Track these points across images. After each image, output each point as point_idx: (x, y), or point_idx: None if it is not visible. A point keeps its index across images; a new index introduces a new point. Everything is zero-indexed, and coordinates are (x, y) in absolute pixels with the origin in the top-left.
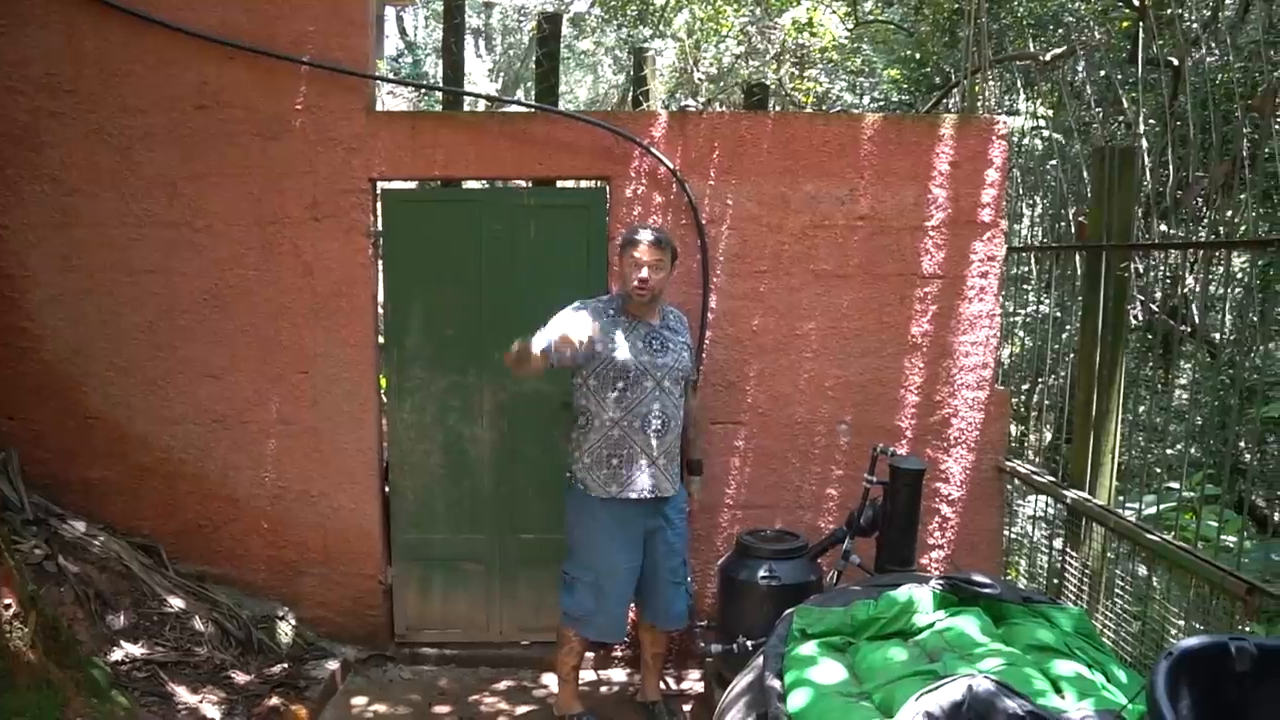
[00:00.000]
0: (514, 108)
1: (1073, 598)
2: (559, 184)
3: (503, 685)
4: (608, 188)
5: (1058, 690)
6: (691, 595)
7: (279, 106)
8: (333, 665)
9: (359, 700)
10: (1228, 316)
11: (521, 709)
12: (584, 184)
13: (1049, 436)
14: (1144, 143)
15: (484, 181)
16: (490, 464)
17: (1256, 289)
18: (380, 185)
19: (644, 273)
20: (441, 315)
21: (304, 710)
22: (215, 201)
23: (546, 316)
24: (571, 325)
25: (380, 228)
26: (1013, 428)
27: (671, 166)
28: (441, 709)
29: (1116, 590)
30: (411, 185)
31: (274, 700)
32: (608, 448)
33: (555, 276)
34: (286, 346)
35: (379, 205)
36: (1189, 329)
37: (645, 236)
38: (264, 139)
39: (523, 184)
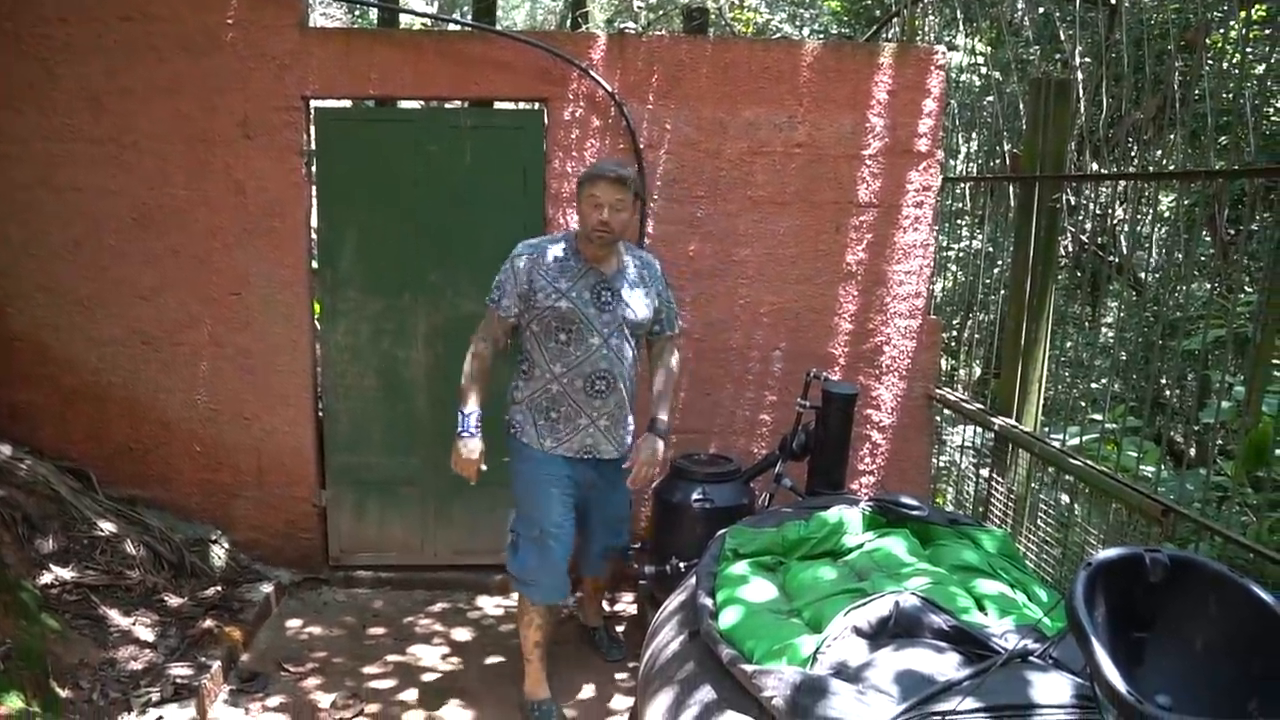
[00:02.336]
0: (451, 27)
1: (998, 522)
2: (496, 105)
3: (437, 608)
4: (545, 110)
5: (981, 608)
6: (624, 550)
7: (208, 20)
8: (267, 588)
9: (294, 623)
10: (1152, 252)
11: (456, 631)
12: (523, 106)
13: (979, 371)
14: (1079, 76)
15: (420, 101)
16: (425, 387)
17: (1182, 225)
18: (313, 104)
19: (603, 214)
20: (376, 237)
21: (238, 632)
22: (143, 118)
23: (484, 239)
24: (459, 456)
25: (314, 147)
26: (945, 362)
27: (610, 90)
28: (376, 630)
29: (1039, 515)
30: (346, 104)
31: (208, 623)
32: (546, 400)
33: (491, 198)
34: (218, 268)
35: (312, 124)
36: (1116, 261)
37: (606, 173)
38: (193, 54)
39: (459, 105)
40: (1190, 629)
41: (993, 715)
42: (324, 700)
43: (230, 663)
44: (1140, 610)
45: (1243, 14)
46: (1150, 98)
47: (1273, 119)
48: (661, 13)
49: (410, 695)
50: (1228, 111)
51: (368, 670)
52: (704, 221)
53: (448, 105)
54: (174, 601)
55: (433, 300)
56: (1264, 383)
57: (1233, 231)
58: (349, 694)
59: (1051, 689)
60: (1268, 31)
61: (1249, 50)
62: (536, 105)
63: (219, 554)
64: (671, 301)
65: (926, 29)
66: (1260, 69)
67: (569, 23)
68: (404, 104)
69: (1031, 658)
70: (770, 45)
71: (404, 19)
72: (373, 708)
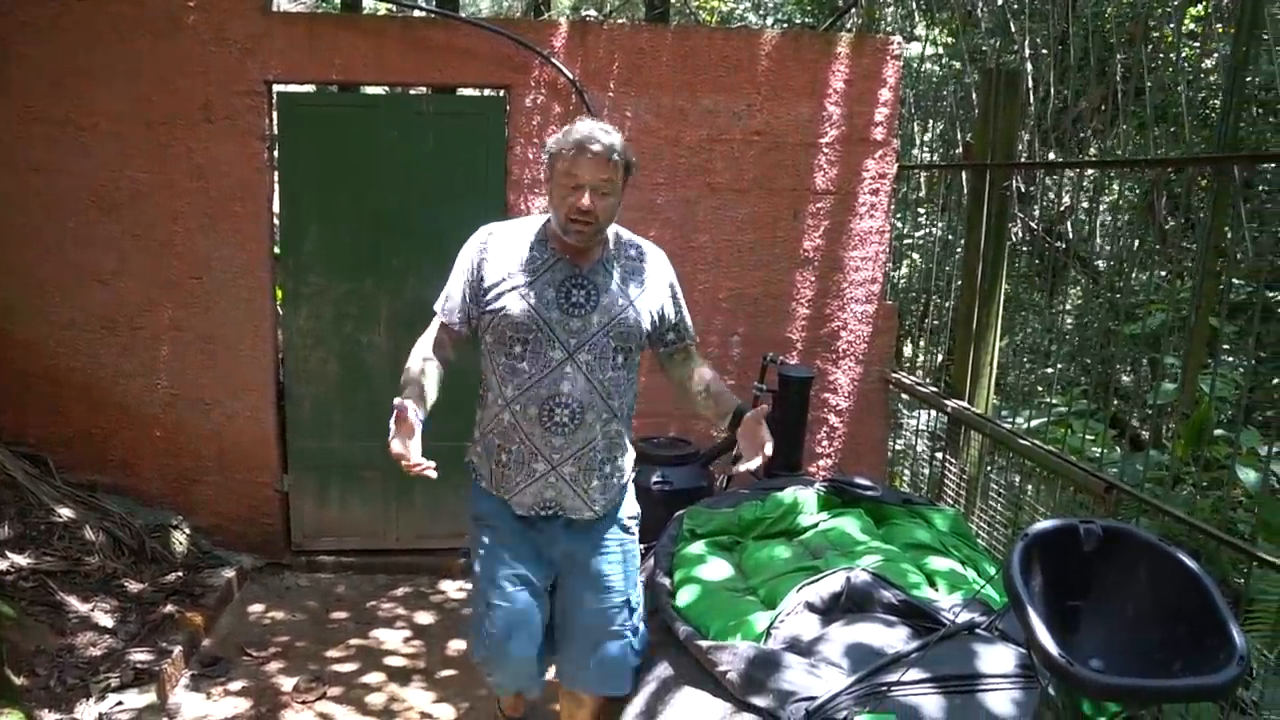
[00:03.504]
0: (416, 13)
1: (951, 502)
2: (459, 92)
3: (400, 591)
4: (507, 96)
5: (932, 584)
6: (640, 653)
7: (169, 2)
8: (229, 573)
9: (256, 608)
10: (1102, 240)
11: (419, 614)
12: (486, 92)
13: (940, 357)
14: (1029, 66)
15: (383, 87)
16: (388, 371)
17: (1128, 214)
18: (276, 88)
19: (585, 200)
20: (338, 222)
21: (199, 617)
22: (103, 99)
23: (445, 225)
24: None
25: (276, 132)
26: (906, 347)
27: (571, 77)
28: (339, 614)
29: (991, 495)
30: (309, 89)
31: (169, 608)
32: (498, 434)
33: (453, 184)
34: (179, 251)
35: (274, 109)
36: (1064, 246)
37: (589, 145)
38: (154, 35)
39: (422, 90)
40: (1122, 596)
41: (939, 685)
42: (286, 684)
43: (192, 648)
44: (1075, 579)
45: (1191, 10)
46: (1095, 88)
47: (1215, 111)
48: (626, 1)
49: (373, 678)
50: (1176, 103)
51: (330, 654)
52: (663, 208)
53: (411, 91)
54: (134, 587)
55: (395, 285)
56: (1199, 364)
57: (1184, 220)
58: (311, 677)
59: (996, 659)
60: (1218, 27)
61: (1195, 45)
62: (499, 92)
63: (180, 539)
64: (683, 305)
65: (888, 19)
66: (1209, 63)
67: (533, 8)
68: (367, 89)
69: (978, 630)
70: (729, 34)
71: (367, 4)
72: (335, 691)
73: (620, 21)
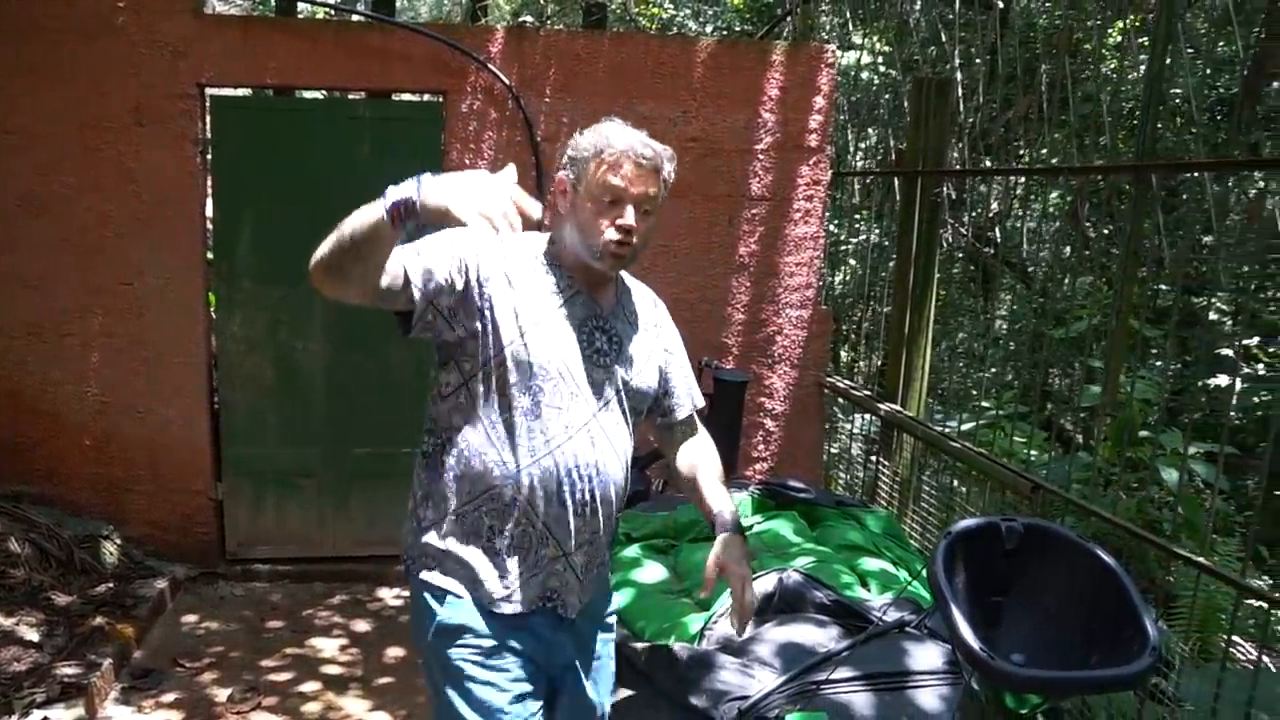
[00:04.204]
0: (353, 17)
1: (885, 503)
2: (395, 97)
3: (337, 600)
4: (444, 102)
5: (864, 584)
6: None
7: (99, 3)
8: (161, 584)
9: (189, 618)
10: (1032, 247)
11: (356, 622)
12: (423, 98)
13: (878, 362)
14: (959, 75)
15: (320, 91)
16: (322, 378)
17: (1053, 217)
18: (209, 91)
19: (626, 217)
20: (273, 227)
21: (131, 629)
22: (30, 101)
23: None
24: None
25: (209, 136)
26: (844, 353)
27: (507, 83)
28: (274, 624)
29: (923, 496)
30: (243, 92)
31: (99, 620)
32: (490, 514)
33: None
34: (110, 256)
35: (208, 112)
36: (992, 252)
37: (643, 150)
38: (84, 37)
39: (359, 95)
40: (1044, 592)
41: (869, 683)
42: (221, 694)
43: (122, 660)
44: (999, 576)
45: (1117, 24)
46: (1023, 97)
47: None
48: (566, 7)
49: (309, 687)
50: (1110, 112)
51: (266, 663)
52: None
53: (348, 96)
54: (62, 600)
55: None
56: (1119, 368)
57: (1109, 228)
58: (246, 687)
59: (925, 656)
60: (1141, 40)
61: (1119, 56)
62: (436, 97)
63: (111, 550)
64: (687, 364)
65: (825, 28)
66: (1135, 74)
67: (470, 13)
68: (303, 93)
69: (908, 628)
70: (666, 41)
71: (303, 8)
72: (270, 700)
73: (557, 28)
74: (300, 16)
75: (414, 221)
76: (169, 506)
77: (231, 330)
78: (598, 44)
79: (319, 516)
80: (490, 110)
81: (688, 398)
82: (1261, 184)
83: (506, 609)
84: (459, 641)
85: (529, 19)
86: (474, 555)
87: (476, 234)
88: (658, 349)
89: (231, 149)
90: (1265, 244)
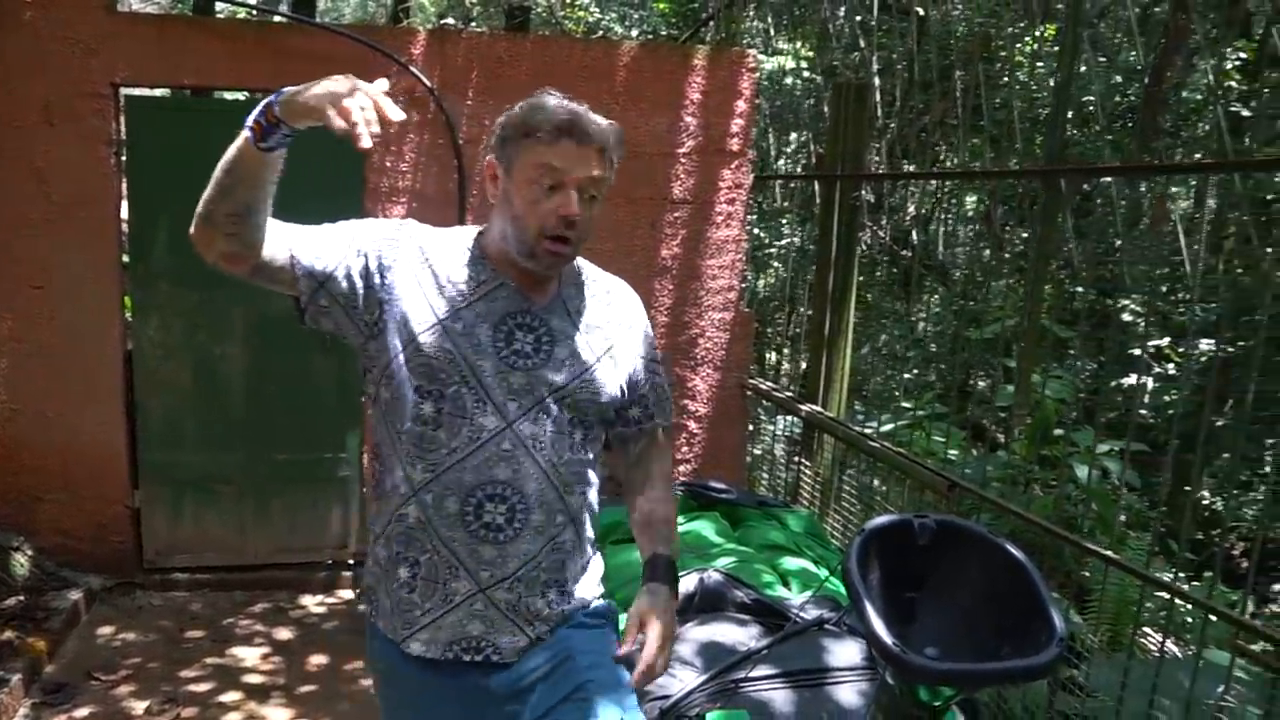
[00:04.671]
0: (275, 19)
1: (806, 503)
2: None
3: (258, 608)
4: None
5: (785, 583)
6: None
7: None
8: (75, 595)
9: (105, 630)
10: (949, 250)
11: (278, 630)
12: None
13: (804, 364)
14: (877, 81)
15: (241, 93)
16: (243, 382)
17: (970, 221)
18: (124, 91)
19: (569, 203)
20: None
21: (43, 643)
22: None
23: None
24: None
25: (124, 136)
26: (770, 355)
27: (429, 85)
28: (194, 633)
29: (844, 496)
30: (161, 92)
31: (7, 634)
32: (398, 540)
33: (309, 192)
34: (19, 259)
35: (123, 112)
36: (910, 255)
37: (585, 126)
38: None
39: None
40: (956, 586)
41: (789, 680)
42: (138, 707)
43: (33, 675)
44: (913, 572)
45: (1033, 32)
46: (938, 103)
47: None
48: (492, 9)
49: (230, 697)
50: (1024, 118)
51: (185, 674)
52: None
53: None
54: None
55: (249, 295)
56: (1031, 368)
57: (1027, 233)
58: (165, 699)
59: (843, 653)
60: (1055, 49)
61: (1039, 65)
62: None
63: (21, 561)
64: (660, 370)
65: (751, 33)
66: (1052, 81)
67: (391, 14)
68: (224, 95)
69: (827, 626)
70: (589, 44)
71: (222, 8)
72: (190, 711)
73: (480, 30)
74: (220, 16)
75: (279, 133)
76: (83, 515)
77: (148, 334)
78: (520, 46)
79: (240, 523)
80: (412, 112)
81: (654, 408)
82: (1176, 189)
83: (417, 649)
84: (383, 682)
85: (449, 20)
86: (387, 585)
87: (382, 223)
88: (623, 350)
89: (148, 150)
90: (1167, 246)
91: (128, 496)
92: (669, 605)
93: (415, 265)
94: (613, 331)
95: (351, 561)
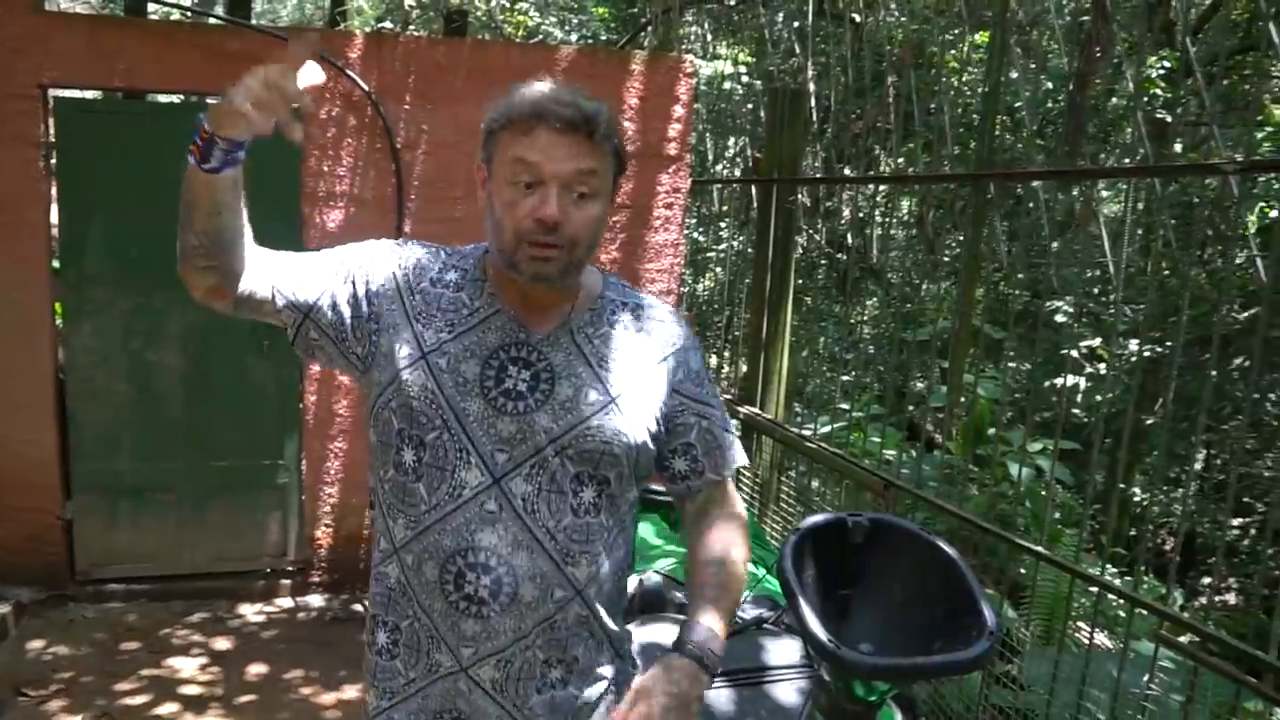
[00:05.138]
0: (210, 20)
1: (745, 504)
2: None
3: (196, 618)
4: (301, 108)
5: None
6: None
7: None
8: (3, 609)
9: (36, 644)
10: (884, 254)
11: (216, 640)
12: None
13: (745, 367)
14: (812, 87)
15: (175, 95)
16: (179, 389)
17: (905, 224)
18: (53, 92)
19: (550, 204)
20: (125, 235)
21: None
22: None
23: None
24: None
25: (54, 139)
26: (712, 360)
27: (366, 89)
28: (130, 645)
29: (783, 497)
30: (93, 94)
31: None
32: (381, 601)
33: (246, 195)
34: None
35: (51, 114)
36: (846, 258)
37: (558, 108)
38: None
39: (215, 100)
40: (890, 583)
41: (729, 679)
42: None
43: None
44: (847, 570)
45: (966, 40)
46: (873, 108)
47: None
48: (433, 12)
49: (167, 709)
50: (955, 123)
51: (120, 687)
52: (463, 221)
53: (208, 100)
54: None
55: (186, 300)
56: (963, 368)
57: (962, 236)
58: (99, 713)
59: (782, 651)
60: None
61: (971, 70)
62: (293, 103)
63: None
64: (713, 413)
65: (691, 38)
66: (983, 88)
67: (330, 21)
68: (157, 97)
69: (766, 624)
70: (527, 49)
71: (154, 8)
72: None
73: (418, 35)
74: (152, 17)
75: (218, 149)
76: (11, 527)
77: (81, 341)
78: (458, 51)
79: (177, 532)
80: (349, 116)
81: (712, 459)
82: (1105, 192)
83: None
84: None
85: (387, 25)
86: (372, 648)
87: (379, 243)
88: (649, 389)
89: (78, 153)
90: (1096, 249)
91: (59, 507)
92: (671, 688)
93: (407, 290)
94: (637, 366)
95: (290, 569)
